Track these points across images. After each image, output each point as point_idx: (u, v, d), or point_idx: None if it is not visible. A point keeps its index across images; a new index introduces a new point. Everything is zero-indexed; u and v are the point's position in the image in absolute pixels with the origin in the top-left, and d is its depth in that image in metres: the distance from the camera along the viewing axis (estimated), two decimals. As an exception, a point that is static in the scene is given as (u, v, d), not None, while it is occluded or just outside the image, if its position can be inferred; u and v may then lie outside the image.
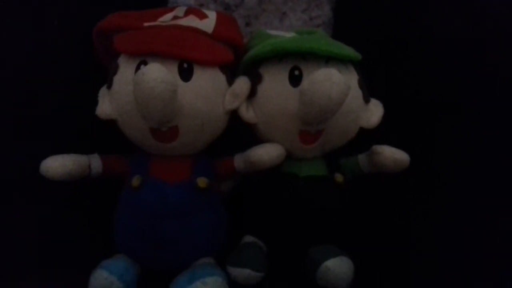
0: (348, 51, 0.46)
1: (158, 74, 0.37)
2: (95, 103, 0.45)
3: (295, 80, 0.45)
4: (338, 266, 0.42)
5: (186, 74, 0.42)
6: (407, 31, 0.57)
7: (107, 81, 0.45)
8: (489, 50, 0.50)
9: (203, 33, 0.46)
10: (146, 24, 0.46)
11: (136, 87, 0.38)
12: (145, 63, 0.42)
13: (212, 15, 0.48)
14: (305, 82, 0.41)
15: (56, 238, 0.51)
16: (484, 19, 0.50)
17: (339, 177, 0.49)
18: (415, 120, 0.55)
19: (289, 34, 0.50)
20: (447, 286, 0.45)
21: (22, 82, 0.51)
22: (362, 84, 0.48)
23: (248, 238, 0.48)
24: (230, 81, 0.46)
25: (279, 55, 0.45)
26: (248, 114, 0.47)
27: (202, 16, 0.48)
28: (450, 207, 0.50)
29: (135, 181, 0.44)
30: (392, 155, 0.46)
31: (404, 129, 0.53)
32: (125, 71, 0.43)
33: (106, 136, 0.47)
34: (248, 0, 0.61)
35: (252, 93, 0.47)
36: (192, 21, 0.47)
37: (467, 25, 0.52)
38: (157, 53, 0.42)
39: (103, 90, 0.46)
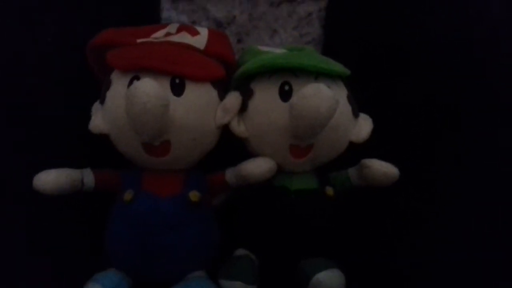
0: (337, 67, 0.47)
1: (150, 89, 0.38)
2: (88, 118, 0.46)
3: (285, 95, 0.46)
4: (329, 278, 0.42)
5: (178, 89, 0.43)
6: (395, 48, 0.58)
7: (100, 96, 0.46)
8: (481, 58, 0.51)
9: (195, 49, 0.47)
10: (139, 40, 0.46)
11: (128, 101, 0.38)
12: (138, 79, 0.42)
13: (203, 32, 0.49)
14: (295, 97, 0.42)
15: (48, 250, 0.51)
16: (476, 26, 0.52)
17: (329, 190, 0.49)
18: (405, 134, 0.56)
19: (280, 50, 0.51)
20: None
21: (16, 96, 0.52)
22: (351, 99, 0.48)
23: (240, 251, 0.48)
24: (222, 96, 0.47)
25: (270, 71, 0.46)
26: (239, 128, 0.47)
27: (194, 32, 0.48)
28: (440, 219, 0.51)
29: (127, 195, 0.45)
30: (381, 168, 0.46)
31: (393, 143, 0.53)
32: (117, 86, 0.44)
33: (98, 151, 0.47)
34: (239, 17, 0.62)
35: (243, 108, 0.47)
36: (184, 38, 0.47)
37: (459, 35, 0.53)
38: (149, 68, 0.42)
39: (96, 105, 0.47)
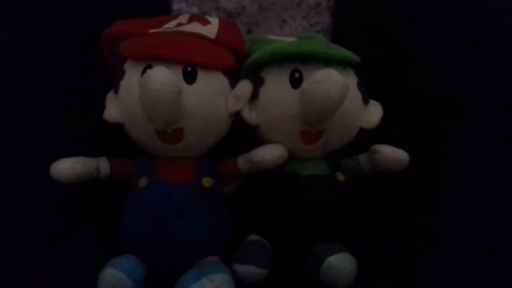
0: (346, 54, 0.48)
1: (164, 76, 0.39)
2: (103, 107, 0.47)
3: (295, 82, 0.46)
4: (340, 262, 0.43)
5: (190, 78, 0.44)
6: (404, 36, 0.58)
7: (114, 86, 0.47)
8: (488, 51, 0.51)
9: (206, 38, 0.48)
10: (151, 30, 0.47)
11: (142, 89, 0.40)
12: (151, 68, 0.43)
13: (214, 22, 0.50)
14: (306, 83, 0.43)
15: (65, 239, 0.52)
16: (483, 19, 0.52)
17: (340, 176, 0.50)
18: (414, 120, 0.56)
19: (290, 39, 0.52)
20: (447, 283, 0.45)
21: (32, 86, 0.53)
22: (361, 86, 0.49)
23: (253, 237, 0.49)
24: (233, 84, 0.48)
25: (280, 59, 0.47)
26: (250, 116, 0.48)
27: (205, 22, 0.50)
28: (450, 204, 0.51)
29: (142, 182, 0.46)
30: (392, 154, 0.47)
31: (403, 129, 0.54)
32: (131, 75, 0.45)
33: (113, 140, 0.48)
34: (249, 8, 0.63)
35: (254, 96, 0.48)
36: (195, 28, 0.49)
37: (466, 26, 0.53)
38: (162, 57, 0.43)
39: (110, 95, 0.48)
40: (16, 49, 0.52)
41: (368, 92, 0.50)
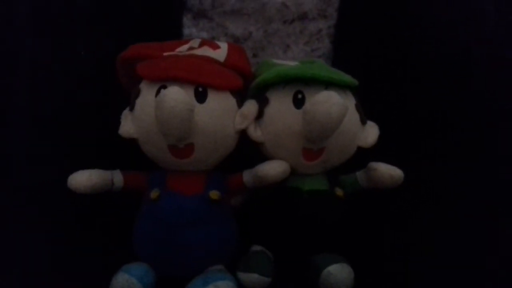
0: (346, 77, 0.51)
1: (178, 95, 0.42)
2: (118, 123, 0.50)
3: (298, 103, 0.49)
4: (339, 271, 0.45)
5: (201, 97, 0.47)
6: (400, 62, 0.62)
7: (130, 103, 0.50)
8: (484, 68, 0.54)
9: (216, 61, 0.51)
10: (165, 53, 0.51)
11: (158, 106, 0.42)
12: (165, 88, 0.46)
13: (224, 46, 0.53)
14: (308, 104, 0.46)
15: (78, 248, 0.54)
16: (478, 38, 0.55)
17: (339, 191, 0.52)
18: (409, 140, 0.59)
19: (293, 63, 0.55)
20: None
21: (53, 101, 0.56)
22: (359, 107, 0.52)
23: (256, 247, 0.52)
24: (240, 104, 0.51)
25: (284, 81, 0.50)
26: (256, 133, 0.51)
27: (215, 47, 0.53)
28: (447, 219, 0.53)
29: (154, 193, 0.49)
30: (387, 170, 0.50)
31: (398, 147, 0.57)
32: (146, 94, 0.48)
33: (127, 154, 0.51)
34: (255, 34, 0.66)
35: (259, 115, 0.51)
36: (206, 51, 0.52)
37: (464, 49, 0.56)
38: (176, 78, 0.46)
39: (125, 112, 0.51)
40: (41, 66, 0.55)
41: (366, 113, 0.53)
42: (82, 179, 0.47)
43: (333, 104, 0.44)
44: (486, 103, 0.54)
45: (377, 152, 0.52)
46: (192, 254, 0.48)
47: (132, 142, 0.50)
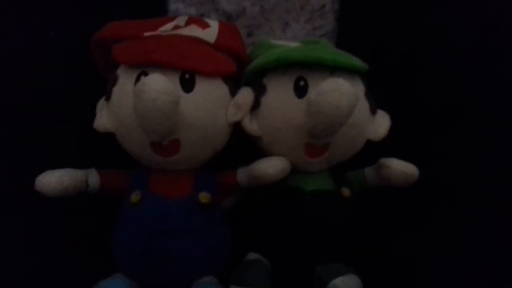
0: (355, 61, 0.45)
1: (160, 84, 0.36)
2: (93, 115, 0.44)
3: (300, 91, 0.44)
4: (346, 284, 0.41)
5: (187, 85, 0.41)
6: (412, 40, 0.57)
7: (106, 93, 0.44)
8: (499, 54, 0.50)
9: (205, 43, 0.45)
10: (146, 33, 0.45)
11: (137, 98, 0.37)
12: (146, 74, 0.40)
13: (214, 25, 0.47)
14: (312, 93, 0.40)
15: (53, 257, 0.50)
16: (494, 20, 0.50)
17: (345, 192, 0.48)
18: (423, 132, 0.54)
19: (293, 44, 0.49)
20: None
21: (19, 94, 0.51)
22: (369, 95, 0.47)
23: (252, 256, 0.47)
24: (233, 92, 0.45)
25: (284, 65, 0.44)
26: (251, 126, 0.46)
27: (204, 25, 0.47)
28: (461, 220, 0.50)
29: (134, 197, 0.43)
30: (401, 168, 0.45)
31: (412, 141, 0.52)
32: (124, 82, 0.42)
33: (104, 151, 0.46)
34: (250, 10, 0.61)
35: (255, 105, 0.46)
36: (193, 31, 0.46)
37: (475, 32, 0.51)
38: (158, 63, 0.41)
39: (101, 102, 0.45)
40: (5, 51, 0.50)
41: (375, 101, 0.47)
42: (51, 181, 0.41)
43: (342, 94, 0.38)
44: (505, 93, 0.49)
45: (388, 145, 0.47)
46: (179, 265, 0.43)
47: (111, 136, 0.44)
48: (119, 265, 0.44)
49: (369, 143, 0.47)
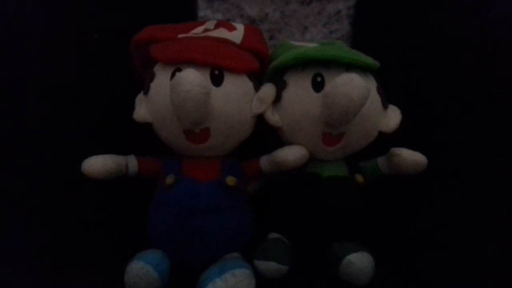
0: (367, 59, 0.49)
1: (194, 78, 0.41)
2: (132, 108, 0.49)
3: (317, 86, 0.48)
4: (360, 260, 0.44)
5: (217, 80, 0.46)
6: (419, 43, 0.60)
7: (144, 87, 0.49)
8: (503, 53, 0.52)
9: (232, 43, 0.49)
10: (179, 35, 0.49)
11: (173, 90, 0.41)
12: (180, 70, 0.44)
13: (240, 28, 0.52)
14: (328, 86, 0.44)
15: (92, 237, 0.54)
16: (496, 22, 0.53)
17: (359, 178, 0.51)
18: (432, 124, 0.57)
19: (312, 45, 0.53)
20: (465, 285, 0.46)
21: (65, 87, 0.55)
22: (381, 91, 0.50)
23: (273, 235, 0.50)
24: (257, 87, 0.49)
25: (303, 63, 0.48)
26: (273, 118, 0.50)
27: (231, 28, 0.51)
28: (468, 205, 0.52)
29: (169, 179, 0.47)
30: (410, 156, 0.48)
31: (421, 132, 0.55)
32: (161, 78, 0.47)
33: (140, 139, 0.50)
34: (272, 15, 0.65)
35: (277, 99, 0.50)
36: (222, 33, 0.50)
37: (481, 32, 0.54)
38: (191, 61, 0.45)
39: (140, 96, 0.50)
40: (50, 49, 0.54)
41: (387, 96, 0.51)
42: (96, 164, 0.46)
43: (354, 86, 0.42)
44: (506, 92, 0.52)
45: (399, 137, 0.50)
46: (208, 241, 0.47)
47: (146, 127, 0.49)
48: (155, 242, 0.48)
49: (382, 135, 0.51)
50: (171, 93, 0.42)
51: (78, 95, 0.56)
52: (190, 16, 0.64)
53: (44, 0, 0.55)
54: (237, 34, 0.51)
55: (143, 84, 0.50)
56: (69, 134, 0.56)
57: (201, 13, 0.64)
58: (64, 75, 0.56)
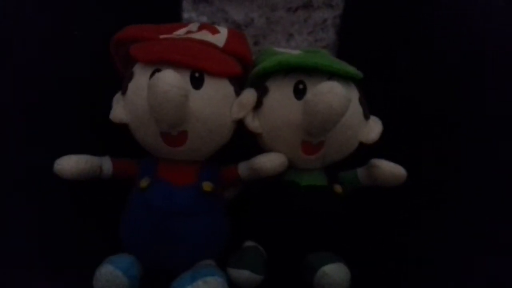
0: (350, 69, 0.49)
1: (172, 79, 0.40)
2: (109, 108, 0.48)
3: (299, 93, 0.47)
4: (335, 271, 0.43)
5: (197, 83, 0.45)
6: (405, 53, 0.60)
7: (122, 87, 0.48)
8: (490, 65, 0.53)
9: (215, 46, 0.49)
10: (161, 36, 0.49)
11: (151, 90, 0.40)
12: (159, 71, 0.43)
13: (223, 31, 0.51)
14: (309, 94, 0.44)
15: (62, 238, 0.52)
16: (485, 32, 0.53)
17: (338, 188, 0.50)
18: (414, 136, 0.57)
19: (295, 52, 0.53)
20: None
21: (39, 85, 0.53)
22: (363, 101, 0.50)
23: (249, 243, 0.49)
24: (238, 92, 0.49)
25: (285, 70, 0.48)
26: (253, 124, 0.49)
27: (214, 31, 0.51)
28: (447, 217, 0.52)
29: (143, 182, 0.47)
30: (389, 168, 0.48)
31: (401, 145, 0.55)
32: (139, 78, 0.46)
33: (116, 140, 0.49)
34: (257, 21, 0.64)
35: (258, 105, 0.49)
36: (204, 36, 0.50)
37: (468, 42, 0.54)
38: (171, 62, 0.44)
39: (117, 96, 0.49)
40: (28, 48, 0.53)
41: (369, 107, 0.51)
42: (69, 164, 0.45)
43: (335, 94, 0.42)
44: (496, 99, 0.52)
45: (379, 148, 0.50)
46: (181, 246, 0.46)
47: (123, 128, 0.48)
48: (126, 245, 0.47)
49: (362, 146, 0.50)
50: (149, 93, 0.41)
51: (54, 93, 0.55)
52: (175, 18, 0.63)
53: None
54: (220, 38, 0.50)
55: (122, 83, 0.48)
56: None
57: (185, 16, 0.63)
58: (40, 73, 0.54)
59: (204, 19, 0.64)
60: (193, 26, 0.51)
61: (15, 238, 0.51)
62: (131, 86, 0.46)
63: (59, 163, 0.45)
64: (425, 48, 0.58)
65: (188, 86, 0.44)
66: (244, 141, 0.50)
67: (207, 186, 0.47)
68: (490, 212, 0.49)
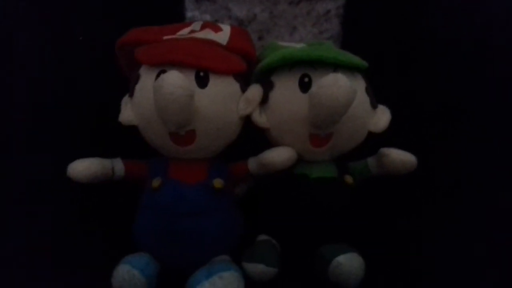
0: (355, 59, 0.49)
1: (177, 80, 0.40)
2: (118, 111, 0.48)
3: (304, 86, 0.47)
4: (349, 261, 0.44)
5: (202, 82, 0.45)
6: (410, 43, 0.60)
7: (129, 90, 0.48)
8: (493, 55, 0.52)
9: (218, 44, 0.49)
10: (165, 37, 0.49)
11: (156, 92, 0.41)
12: (165, 72, 0.43)
13: (226, 29, 0.52)
14: (315, 87, 0.44)
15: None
16: (488, 24, 0.52)
17: (348, 179, 0.51)
18: (422, 124, 0.57)
19: (299, 45, 0.53)
20: (456, 286, 0.46)
21: (51, 90, 0.55)
22: (369, 91, 0.50)
23: (262, 237, 0.50)
24: (244, 89, 0.49)
25: (290, 64, 0.48)
26: (261, 119, 0.49)
27: (217, 29, 0.51)
28: (458, 206, 0.52)
29: (155, 182, 0.47)
30: (399, 156, 0.48)
31: (410, 133, 0.55)
32: (145, 80, 0.46)
33: (127, 142, 0.50)
34: (260, 15, 0.64)
35: (264, 100, 0.49)
36: (208, 34, 0.50)
37: (471, 33, 0.54)
38: (175, 62, 0.45)
39: (125, 99, 0.49)
40: (37, 53, 0.54)
41: (376, 97, 0.51)
42: (82, 167, 0.46)
43: (340, 87, 0.42)
44: (501, 89, 0.52)
45: (389, 137, 0.50)
46: (195, 244, 0.46)
47: (133, 130, 0.48)
48: (142, 244, 0.48)
49: (372, 135, 0.50)
50: (154, 95, 0.41)
51: (65, 97, 0.56)
52: (178, 18, 0.63)
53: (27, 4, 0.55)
54: (223, 35, 0.50)
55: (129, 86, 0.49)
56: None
57: (188, 14, 0.64)
58: (51, 78, 0.55)
59: (207, 17, 0.64)
60: (196, 26, 0.52)
61: (27, 238, 0.52)
62: (138, 88, 0.47)
63: (72, 167, 0.46)
64: (431, 35, 0.58)
65: (194, 85, 0.44)
66: (251, 136, 0.50)
67: (218, 183, 0.47)
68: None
